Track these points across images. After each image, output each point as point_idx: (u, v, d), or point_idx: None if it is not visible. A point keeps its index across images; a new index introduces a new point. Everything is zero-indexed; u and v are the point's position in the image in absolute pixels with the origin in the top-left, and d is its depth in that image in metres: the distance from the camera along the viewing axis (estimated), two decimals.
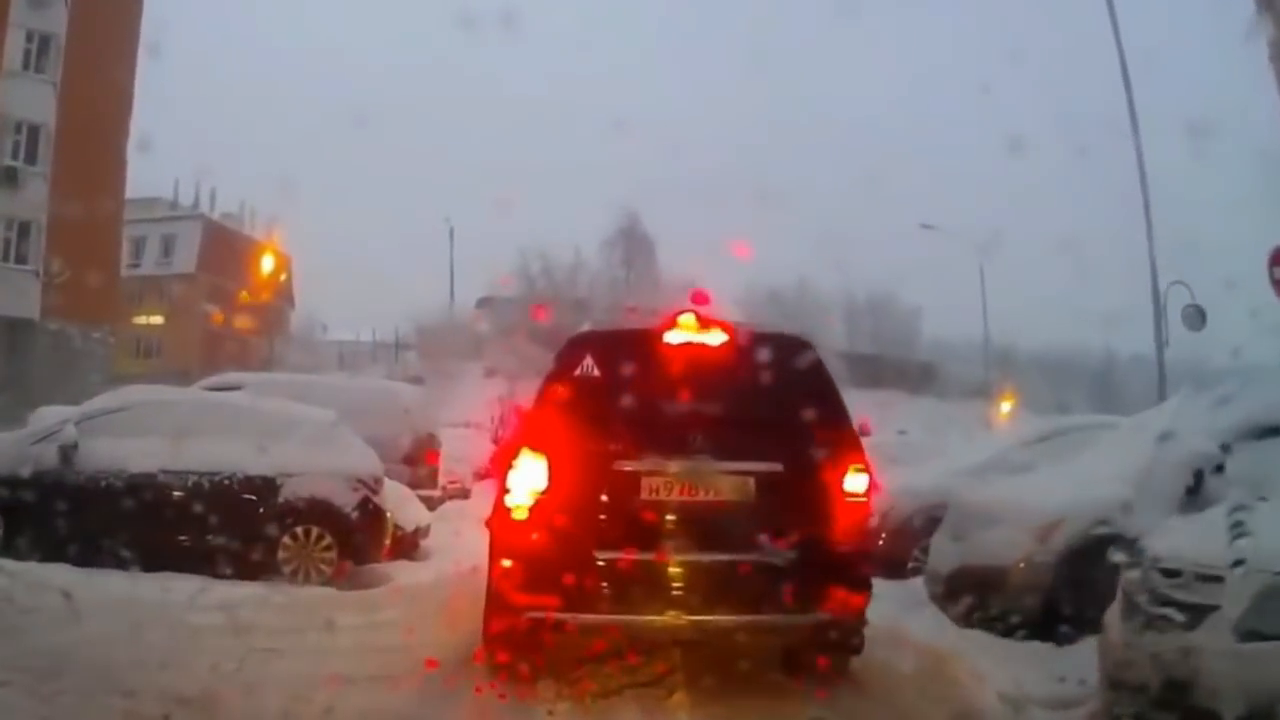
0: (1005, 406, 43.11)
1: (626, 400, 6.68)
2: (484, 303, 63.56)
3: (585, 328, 7.78)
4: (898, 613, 8.86)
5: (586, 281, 62.26)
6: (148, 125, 64.71)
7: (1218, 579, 5.34)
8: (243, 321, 63.08)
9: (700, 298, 7.01)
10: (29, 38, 34.82)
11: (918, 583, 10.62)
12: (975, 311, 47.68)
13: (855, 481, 6.75)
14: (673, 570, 6.49)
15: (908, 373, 57.31)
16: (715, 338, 6.96)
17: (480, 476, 22.76)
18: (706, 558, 6.49)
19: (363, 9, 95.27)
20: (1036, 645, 8.05)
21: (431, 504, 15.35)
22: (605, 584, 6.42)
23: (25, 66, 34.69)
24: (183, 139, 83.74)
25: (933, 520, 10.89)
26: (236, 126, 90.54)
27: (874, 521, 7.61)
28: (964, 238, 46.79)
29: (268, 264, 52.60)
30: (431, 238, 62.65)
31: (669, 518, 6.55)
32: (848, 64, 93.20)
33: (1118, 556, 6.31)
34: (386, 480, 11.95)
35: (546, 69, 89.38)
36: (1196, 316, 23.30)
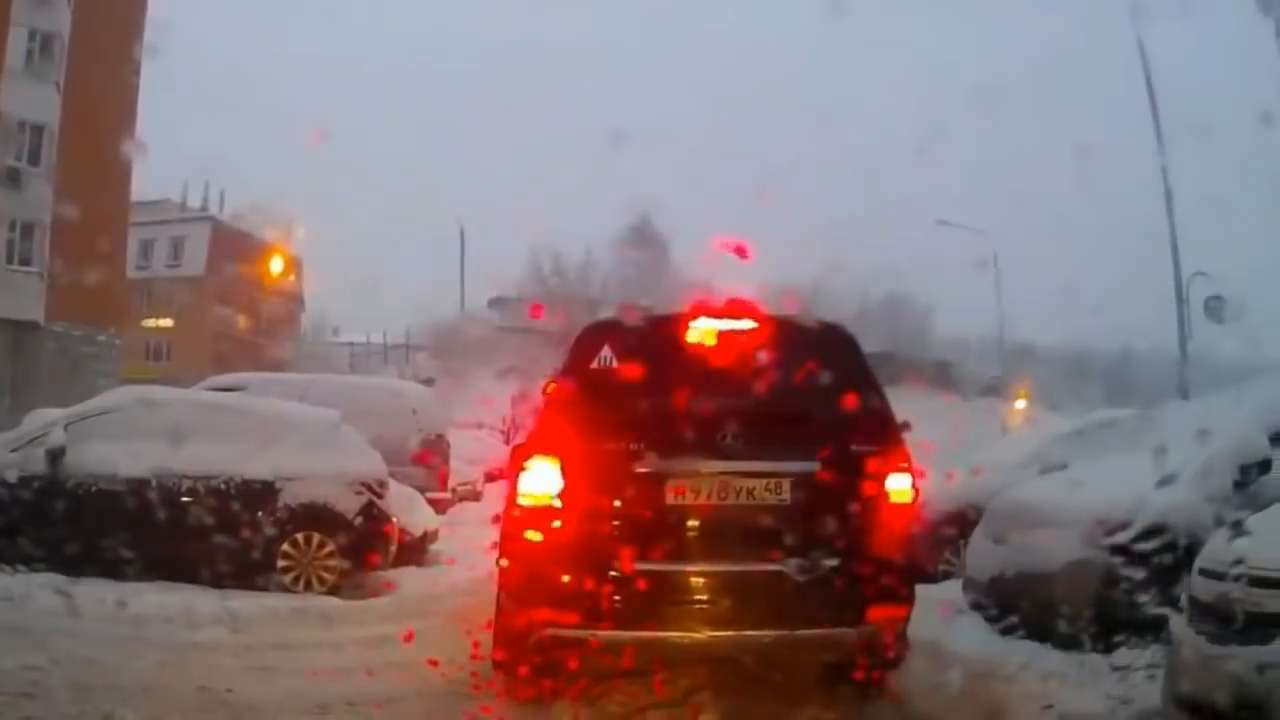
0: (1020, 404, 42.91)
1: (648, 394, 6.16)
2: (495, 303, 63.60)
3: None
4: (933, 621, 8.34)
5: (599, 280, 61.98)
6: (154, 126, 64.70)
7: None
8: (253, 323, 63.00)
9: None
10: (31, 36, 34.19)
11: (949, 586, 10.11)
12: (989, 309, 47.13)
13: (899, 482, 6.23)
14: (700, 581, 6.05)
15: (922, 371, 56.84)
16: (744, 325, 6.48)
17: (491, 478, 22.40)
18: (737, 567, 6.01)
19: (375, 13, 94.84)
20: (1088, 657, 7.47)
21: (441, 507, 15.16)
22: (627, 598, 5.90)
23: (28, 66, 34.09)
24: (191, 141, 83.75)
25: (960, 520, 10.45)
26: (245, 128, 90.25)
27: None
28: (979, 234, 46.22)
29: (277, 265, 52.54)
30: (442, 239, 62.50)
31: (696, 524, 6.06)
32: (863, 63, 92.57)
33: (1202, 563, 5.70)
34: (392, 483, 11.55)
35: (558, 71, 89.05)
36: (1219, 308, 22.97)
